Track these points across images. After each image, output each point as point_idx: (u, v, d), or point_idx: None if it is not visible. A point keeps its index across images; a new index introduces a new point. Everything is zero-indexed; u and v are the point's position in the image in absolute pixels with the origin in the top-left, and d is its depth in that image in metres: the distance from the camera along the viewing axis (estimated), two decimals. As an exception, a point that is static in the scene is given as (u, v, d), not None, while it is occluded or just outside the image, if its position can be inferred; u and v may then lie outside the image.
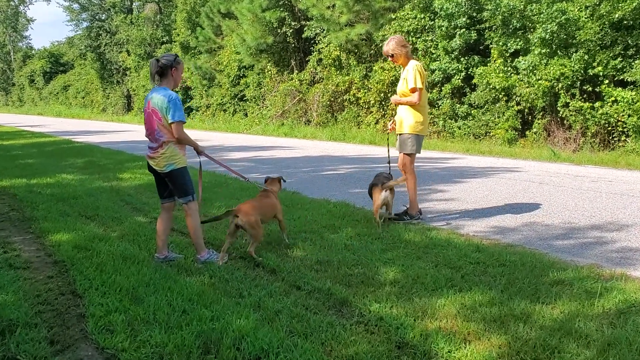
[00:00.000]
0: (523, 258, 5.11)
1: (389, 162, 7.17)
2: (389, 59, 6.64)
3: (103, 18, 47.38)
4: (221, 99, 30.28)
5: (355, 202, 7.84)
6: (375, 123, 20.54)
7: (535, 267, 4.86)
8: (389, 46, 6.55)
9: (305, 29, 23.95)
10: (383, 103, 20.30)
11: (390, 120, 7.16)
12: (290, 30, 24.70)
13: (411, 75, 6.38)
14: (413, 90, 6.42)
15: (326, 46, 22.76)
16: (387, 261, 5.10)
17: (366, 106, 21.12)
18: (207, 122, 30.01)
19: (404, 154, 6.70)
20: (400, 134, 6.69)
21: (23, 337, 3.62)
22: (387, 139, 7.55)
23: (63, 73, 58.85)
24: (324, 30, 22.83)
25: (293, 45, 25.56)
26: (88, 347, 3.59)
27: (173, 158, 5.07)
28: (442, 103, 18.28)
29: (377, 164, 12.39)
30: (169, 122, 4.96)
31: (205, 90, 31.84)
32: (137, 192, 8.92)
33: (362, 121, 21.36)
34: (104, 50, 46.35)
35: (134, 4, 46.79)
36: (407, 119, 6.59)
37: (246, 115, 28.22)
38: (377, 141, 18.25)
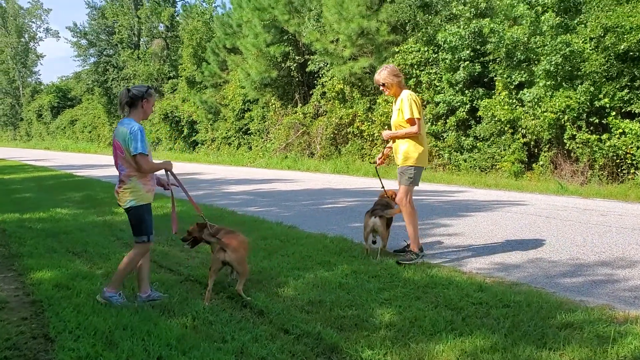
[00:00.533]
0: (528, 298, 4.77)
1: (382, 187, 7.12)
2: (381, 88, 6.33)
3: (110, 53, 47.91)
4: (226, 133, 30.24)
5: (354, 236, 7.53)
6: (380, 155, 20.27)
7: (542, 308, 4.52)
8: (380, 75, 6.27)
9: (309, 63, 23.96)
10: (387, 136, 20.08)
11: (379, 153, 6.91)
12: (294, 64, 24.73)
13: (406, 105, 6.05)
14: (410, 121, 6.08)
15: (330, 80, 22.73)
16: (384, 302, 4.78)
17: (370, 139, 20.95)
18: (212, 155, 29.92)
19: (402, 186, 6.34)
20: (399, 166, 6.35)
21: (-19, 387, 3.32)
22: (376, 170, 7.35)
23: (70, 108, 59.30)
24: (327, 64, 22.82)
25: (297, 79, 25.58)
26: (51, 399, 3.27)
27: (134, 194, 4.80)
28: (447, 135, 18.06)
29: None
30: (131, 154, 4.70)
31: (211, 124, 31.85)
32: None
33: (366, 154, 21.15)
34: (111, 85, 46.69)
35: (141, 39, 47.33)
36: (406, 151, 6.23)
37: (250, 148, 28.12)
38: (382, 174, 17.94)
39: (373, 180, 16.84)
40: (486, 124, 16.86)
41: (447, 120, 18.09)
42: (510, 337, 3.94)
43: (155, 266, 6.27)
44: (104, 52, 48.48)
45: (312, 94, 24.55)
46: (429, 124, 18.52)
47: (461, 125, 18.03)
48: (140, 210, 4.86)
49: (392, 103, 20.03)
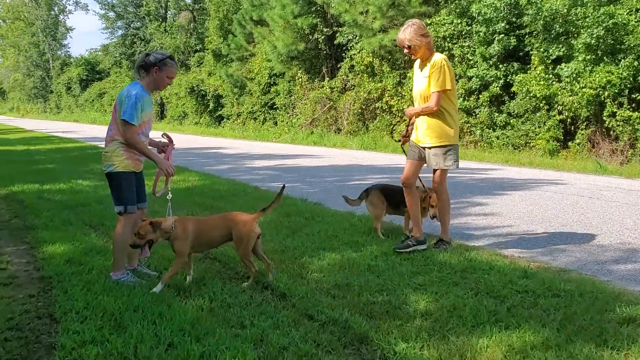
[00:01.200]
0: (580, 287, 4.28)
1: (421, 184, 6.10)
2: (405, 50, 5.19)
3: (138, 26, 47.72)
4: (252, 107, 29.84)
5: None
6: (409, 132, 19.74)
7: (597, 299, 4.03)
8: (405, 34, 5.11)
9: (337, 35, 23.33)
10: (417, 111, 19.51)
11: (404, 130, 5.78)
12: (322, 37, 24.11)
13: (441, 72, 5.01)
14: (444, 92, 5.09)
15: (359, 52, 22.08)
16: (418, 287, 4.34)
17: (399, 114, 20.33)
18: (237, 130, 29.60)
19: (440, 170, 5.38)
20: (434, 146, 5.28)
21: (-27, 374, 3.00)
22: (403, 149, 5.92)
23: (99, 81, 59.46)
24: (356, 36, 22.18)
25: (325, 51, 24.96)
26: (49, 389, 2.94)
27: (113, 159, 4.49)
28: (480, 112, 17.39)
29: (409, 174, 11.61)
30: (120, 118, 4.39)
31: (236, 99, 31.45)
32: (150, 200, 8.31)
33: (395, 130, 20.57)
34: (138, 57, 46.62)
35: (168, 12, 46.98)
36: (441, 127, 5.21)
37: (276, 123, 27.70)
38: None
39: (402, 157, 16.33)
40: (520, 99, 16.15)
41: (480, 96, 17.41)
42: (564, 331, 3.47)
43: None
44: (132, 25, 48.34)
45: (340, 67, 23.94)
46: (461, 99, 17.87)
47: (494, 101, 17.34)
48: (118, 178, 4.53)
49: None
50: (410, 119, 5.62)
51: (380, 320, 3.74)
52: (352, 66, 22.80)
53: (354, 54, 22.48)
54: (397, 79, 20.52)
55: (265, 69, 28.08)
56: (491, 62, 16.94)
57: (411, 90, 19.20)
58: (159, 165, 4.51)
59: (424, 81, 5.18)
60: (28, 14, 73.68)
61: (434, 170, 5.41)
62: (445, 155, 5.24)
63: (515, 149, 16.30)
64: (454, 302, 3.98)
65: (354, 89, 22.68)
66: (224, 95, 32.99)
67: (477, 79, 17.18)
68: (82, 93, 60.98)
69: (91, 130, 35.31)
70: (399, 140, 5.88)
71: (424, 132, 5.29)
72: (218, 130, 31.89)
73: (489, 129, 17.33)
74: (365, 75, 21.88)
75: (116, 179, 4.55)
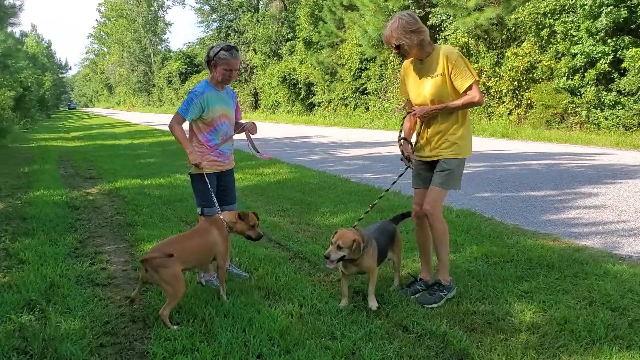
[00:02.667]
0: None
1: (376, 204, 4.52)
2: (393, 51, 4.03)
3: (231, 18, 48.86)
4: (342, 93, 29.72)
5: (483, 210, 6.67)
6: (508, 114, 18.84)
7: None
8: (391, 31, 3.95)
9: (430, 16, 22.61)
10: (517, 92, 18.55)
11: (401, 136, 4.30)
12: (414, 19, 23.48)
13: (462, 62, 3.88)
14: (469, 88, 3.86)
15: (453, 33, 21.29)
16: (523, 295, 3.98)
17: (497, 96, 19.43)
18: (329, 117, 29.61)
19: (439, 189, 4.07)
20: (444, 158, 4.05)
21: (70, 383, 3.03)
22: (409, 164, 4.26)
23: (197, 73, 61.65)
24: (450, 16, 21.36)
25: (417, 34, 24.29)
26: (140, 401, 2.92)
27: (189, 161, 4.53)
28: (586, 91, 16.20)
29: (509, 161, 11.00)
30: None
31: (327, 86, 31.45)
32: (242, 195, 8.39)
33: (493, 112, 19.69)
34: (207, 53, 47.88)
35: (260, 2, 47.71)
36: (458, 136, 4.02)
37: (367, 109, 27.41)
38: (510, 134, 16.64)
39: (501, 141, 15.58)
40: (632, 76, 14.86)
41: (585, 74, 16.21)
42: (699, 354, 3.03)
43: (265, 239, 5.89)
44: (225, 17, 49.54)
45: (433, 49, 23.25)
46: (564, 78, 16.74)
47: (602, 78, 16.08)
48: (192, 178, 4.60)
49: (522, 56, 18.15)
50: (421, 125, 4.15)
51: (481, 333, 3.44)
52: (446, 48, 22.07)
53: (448, 35, 21.70)
54: (495, 59, 19.58)
55: (356, 54, 27.80)
56: (598, 37, 15.69)
57: (509, 70, 18.55)
58: (189, 156, 4.40)
59: (437, 81, 3.94)
60: (130, 12, 77.74)
61: (433, 188, 4.08)
62: (451, 171, 4.03)
63: (626, 130, 15.06)
64: (565, 313, 3.60)
65: (448, 71, 21.95)
66: (315, 83, 33.10)
67: (582, 56, 16.00)
68: (182, 86, 63.53)
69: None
70: (407, 159, 4.20)
71: (431, 141, 4.09)
72: (309, 118, 32.07)
73: (596, 109, 16.13)
74: (460, 56, 21.12)
75: (192, 181, 4.64)
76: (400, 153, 4.26)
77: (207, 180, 4.40)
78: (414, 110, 4.12)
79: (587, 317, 3.53)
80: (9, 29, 23.36)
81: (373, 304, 3.92)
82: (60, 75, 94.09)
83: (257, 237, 4.36)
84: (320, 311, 3.92)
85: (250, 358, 3.24)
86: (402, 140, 4.25)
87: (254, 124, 4.88)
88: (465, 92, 3.87)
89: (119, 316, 4.02)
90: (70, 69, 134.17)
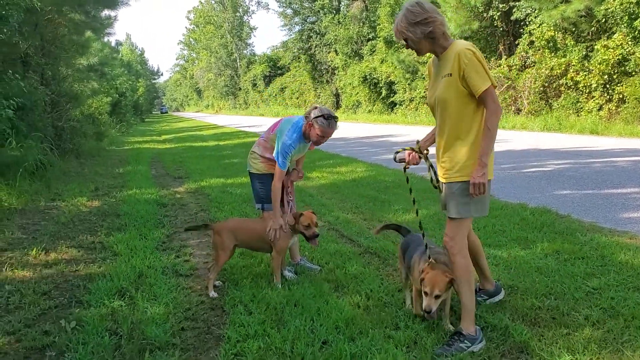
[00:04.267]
0: None
1: (424, 240, 3.80)
2: (404, 45, 3.50)
3: (313, 20, 49.54)
4: (424, 92, 29.43)
5: (560, 207, 6.54)
6: (599, 109, 18.03)
7: None
8: (397, 24, 3.42)
9: (514, 10, 22.04)
10: (608, 86, 17.71)
11: (409, 149, 3.81)
12: (498, 13, 22.91)
13: (476, 63, 3.21)
14: (488, 94, 3.22)
15: (538, 27, 20.63)
16: (592, 291, 3.94)
17: (587, 90, 18.64)
18: (410, 116, 29.46)
19: (459, 219, 3.42)
20: (452, 182, 3.41)
21: (154, 361, 3.35)
22: (407, 180, 4.08)
23: (280, 76, 63.13)
24: (535, 9, 20.70)
25: (501, 28, 23.71)
26: (215, 379, 3.19)
27: (251, 161, 4.96)
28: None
29: (594, 158, 10.60)
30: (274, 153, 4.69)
31: (408, 84, 31.27)
32: (318, 193, 8.65)
33: (582, 108, 18.90)
34: (315, 51, 48.46)
35: (341, 3, 48.05)
36: (465, 152, 3.34)
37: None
38: (600, 130, 15.93)
39: (590, 138, 14.97)
40: None
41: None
42: None
43: (337, 235, 6.10)
44: (307, 20, 50.28)
45: (518, 44, 22.60)
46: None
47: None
48: (253, 178, 4.94)
49: (613, 49, 17.41)
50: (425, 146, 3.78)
51: (544, 328, 3.46)
52: (532, 42, 21.41)
53: (534, 29, 21.07)
54: (583, 52, 18.80)
55: (437, 52, 27.50)
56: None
57: (599, 64, 17.72)
58: (272, 221, 4.58)
59: (445, 82, 3.33)
60: (217, 18, 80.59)
61: (449, 218, 3.48)
62: (468, 197, 3.34)
63: None
64: (633, 311, 3.54)
65: (534, 65, 21.28)
66: (396, 82, 32.98)
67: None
68: (266, 88, 65.22)
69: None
70: (401, 161, 3.86)
71: (440, 157, 3.50)
72: (390, 117, 32.01)
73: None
74: (546, 50, 20.40)
75: (251, 179, 4.95)
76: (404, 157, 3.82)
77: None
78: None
79: (657, 314, 3.46)
80: (105, 39, 25.02)
81: (448, 326, 3.59)
82: (153, 81, 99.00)
83: (311, 236, 4.52)
84: (386, 303, 4.06)
85: (316, 344, 3.43)
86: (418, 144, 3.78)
87: (301, 172, 5.10)
88: (480, 96, 3.21)
89: (199, 304, 4.34)
90: (162, 74, 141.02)
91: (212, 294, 4.50)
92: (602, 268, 4.38)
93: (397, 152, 3.85)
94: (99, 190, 10.03)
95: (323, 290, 4.36)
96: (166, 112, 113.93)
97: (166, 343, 3.62)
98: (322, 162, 12.26)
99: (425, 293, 3.34)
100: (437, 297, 3.34)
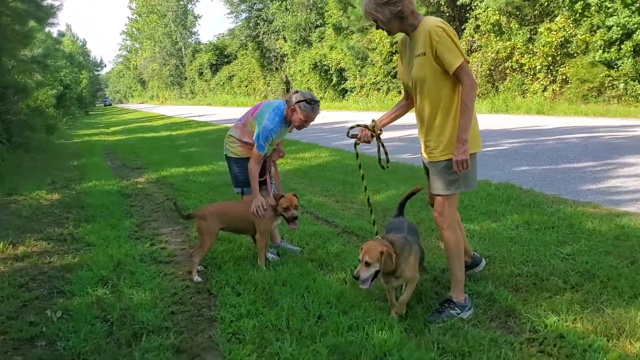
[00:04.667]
0: None
1: (368, 201, 4.08)
2: (374, 26, 3.51)
3: (260, 7, 49.12)
4: (374, 78, 29.77)
5: (522, 182, 6.82)
6: (543, 90, 18.71)
7: None
8: (365, 4, 3.39)
9: (459, -5, 22.52)
10: (551, 68, 18.38)
11: (362, 126, 3.84)
12: (444, -1, 23.39)
13: (447, 39, 3.19)
14: (462, 69, 3.22)
15: (484, 11, 21.17)
16: (566, 257, 4.17)
17: (532, 72, 19.32)
18: (362, 102, 29.72)
19: (446, 194, 3.47)
20: (436, 161, 3.46)
21: (150, 344, 3.35)
22: (357, 156, 4.14)
23: (227, 64, 62.36)
24: (480, -6, 21.25)
25: (447, 13, 24.18)
26: (215, 359, 3.22)
27: (228, 145, 4.95)
28: (623, 63, 16.00)
29: (546, 136, 11.04)
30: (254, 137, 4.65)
31: (359, 70, 31.53)
32: (286, 178, 8.68)
33: (527, 89, 19.57)
34: (262, 39, 48.11)
35: (288, -11, 47.83)
36: (448, 129, 3.39)
37: (400, 92, 27.37)
38: (546, 111, 16.56)
39: (537, 117, 15.52)
40: (672, 45, 14.65)
41: (622, 46, 16.01)
42: None
43: (312, 217, 6.17)
44: (254, 7, 49.80)
45: (465, 28, 23.11)
46: (600, 51, 16.52)
47: (639, 50, 15.86)
48: (230, 162, 4.95)
49: (555, 31, 18.02)
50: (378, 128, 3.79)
51: (526, 293, 3.65)
52: (478, 26, 21.95)
53: (479, 13, 21.60)
54: (527, 35, 19.44)
55: (386, 38, 27.74)
56: (634, 8, 15.48)
57: (543, 46, 18.32)
58: (254, 201, 4.59)
59: (419, 61, 3.31)
60: (160, 7, 78.74)
61: (436, 195, 3.53)
62: (454, 174, 3.38)
63: (666, 100, 14.86)
64: (607, 273, 3.78)
65: (480, 49, 21.84)
66: (346, 68, 33.20)
67: (618, 28, 15.82)
68: (213, 77, 64.34)
69: (224, 112, 37.20)
70: (354, 136, 3.89)
71: (424, 137, 3.55)
72: (342, 103, 32.22)
73: (634, 81, 15.92)
74: (492, 34, 20.98)
75: (229, 163, 4.95)
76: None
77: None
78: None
79: (630, 274, 3.71)
80: (47, 29, 24.10)
81: (400, 310, 3.52)
82: (96, 73, 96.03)
83: (289, 218, 4.56)
84: (372, 278, 4.16)
85: (312, 319, 3.51)
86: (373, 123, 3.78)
87: (281, 151, 5.13)
88: (454, 73, 3.22)
89: (184, 288, 4.34)
90: (105, 66, 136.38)
91: (197, 278, 4.51)
92: (573, 236, 4.63)
93: (352, 127, 3.91)
94: (56, 183, 9.75)
95: (308, 269, 4.43)
96: (110, 105, 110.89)
97: (158, 327, 3.61)
98: (284, 148, 12.23)
99: (359, 261, 3.38)
100: (367, 264, 3.31)
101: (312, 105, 4.49)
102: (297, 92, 4.57)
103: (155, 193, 8.44)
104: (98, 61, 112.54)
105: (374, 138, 3.79)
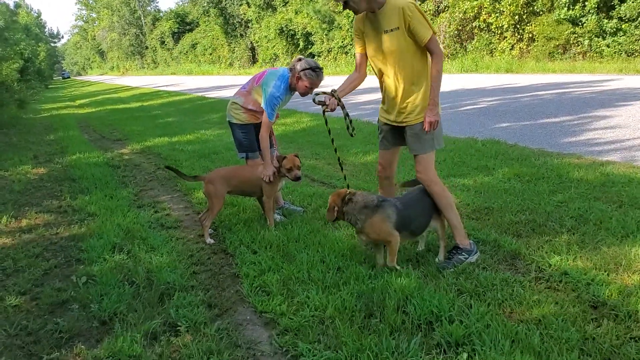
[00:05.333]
0: None
1: (339, 161, 4.60)
2: (342, 7, 3.63)
3: (223, -28, 48.10)
4: (342, 42, 29.72)
5: (506, 138, 7.12)
6: (511, 49, 19.04)
7: None
8: None
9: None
10: (518, 26, 18.70)
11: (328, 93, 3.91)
12: (410, -40, 23.35)
13: (419, 14, 3.46)
14: (432, 42, 3.52)
15: (450, -29, 21.28)
16: (559, 205, 4.47)
17: (499, 32, 19.61)
18: (330, 67, 29.69)
19: (426, 154, 3.76)
20: (414, 124, 3.72)
21: (181, 301, 3.53)
22: (326, 122, 4.38)
23: (190, 32, 61.10)
24: (446, -46, 21.31)
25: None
26: (246, 311, 3.42)
27: (232, 112, 5.06)
28: (587, 20, 16.40)
29: (520, 93, 11.38)
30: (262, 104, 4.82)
31: (326, 34, 31.39)
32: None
33: (495, 48, 19.90)
34: (225, 4, 47.18)
35: (249, -47, 46.82)
36: (424, 96, 3.67)
37: (369, 56, 27.45)
38: (515, 69, 16.92)
39: (507, 76, 15.87)
40: (632, 1, 15.05)
41: (586, 3, 16.37)
42: None
43: (308, 180, 6.35)
44: (217, -28, 48.72)
45: (432, -11, 23.23)
46: (565, 9, 16.87)
47: (602, 6, 16.25)
48: (235, 128, 5.05)
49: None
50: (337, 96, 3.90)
51: (527, 237, 3.94)
52: (445, -13, 22.07)
53: (446, -26, 21.69)
54: (494, -5, 19.66)
55: (353, 1, 27.68)
56: (599, -36, 15.81)
57: (510, 4, 18.59)
58: (265, 168, 4.75)
59: (394, 35, 3.54)
60: (116, -27, 76.30)
61: (416, 155, 3.80)
62: (427, 134, 3.70)
63: (629, 56, 15.35)
64: (599, 216, 4.10)
65: (448, 9, 21.98)
66: (312, 33, 33.00)
67: (583, -15, 16.15)
68: (176, 46, 63.01)
69: (191, 82, 36.69)
70: (321, 103, 3.98)
71: (399, 104, 3.75)
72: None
73: (598, 37, 16.36)
74: (459, -6, 21.16)
75: (233, 129, 5.07)
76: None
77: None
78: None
79: (619, 216, 4.04)
80: (2, 0, 23.30)
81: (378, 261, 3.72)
82: (53, 45, 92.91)
83: (293, 178, 4.74)
84: (379, 232, 4.40)
85: (332, 270, 3.73)
86: (333, 93, 3.88)
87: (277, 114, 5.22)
88: (426, 45, 3.50)
89: (200, 250, 4.52)
90: (62, 37, 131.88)
91: (210, 240, 4.68)
92: (562, 185, 4.95)
93: (317, 95, 4.05)
94: (39, 158, 9.69)
95: (317, 227, 4.65)
96: (68, 77, 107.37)
97: (184, 286, 3.79)
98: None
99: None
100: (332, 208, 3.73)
101: (316, 72, 4.63)
102: (300, 59, 4.70)
103: (144, 163, 8.49)
104: (55, 32, 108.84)
105: (338, 106, 3.94)
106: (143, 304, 3.54)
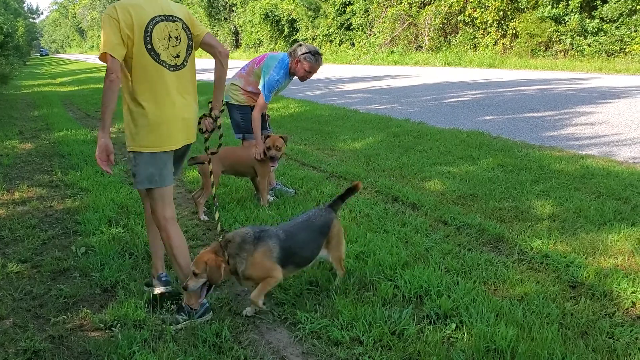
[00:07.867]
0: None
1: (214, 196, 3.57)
2: None
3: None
4: (327, 30, 29.76)
5: (490, 130, 7.34)
6: (494, 44, 19.33)
7: None
8: None
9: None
10: (502, 22, 18.98)
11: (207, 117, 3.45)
12: (398, -49, 23.46)
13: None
14: (104, 58, 2.77)
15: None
16: (541, 193, 4.70)
17: (483, 27, 19.87)
18: (315, 54, 29.68)
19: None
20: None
21: (181, 272, 3.67)
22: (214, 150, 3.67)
23: (173, 12, 60.38)
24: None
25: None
26: (243, 283, 3.57)
27: (230, 93, 5.14)
28: (570, 18, 16.74)
29: (503, 88, 11.64)
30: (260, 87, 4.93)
31: (311, 22, 31.39)
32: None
33: (478, 43, 20.17)
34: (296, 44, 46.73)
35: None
36: (127, 122, 3.34)
37: (353, 44, 27.59)
38: (497, 64, 17.21)
39: (490, 70, 16.15)
40: (614, 3, 15.41)
41: (570, 2, 16.71)
42: (690, 226, 3.78)
43: (298, 164, 6.50)
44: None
45: (419, -19, 23.40)
46: (549, 7, 17.19)
47: (585, 6, 16.62)
48: (231, 109, 5.15)
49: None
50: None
51: (510, 223, 4.16)
52: (432, -21, 22.24)
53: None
54: (480, -10, 19.91)
55: (339, -11, 27.75)
56: (583, -35, 16.13)
57: (495, 0, 18.86)
58: (256, 147, 4.86)
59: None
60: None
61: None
62: (134, 166, 3.31)
63: (608, 56, 15.74)
64: (578, 204, 4.33)
65: (434, 2, 22.18)
66: (298, 19, 32.96)
67: (567, -16, 16.46)
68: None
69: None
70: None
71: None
72: (295, 55, 32.08)
73: (580, 36, 16.72)
74: (445, -12, 21.36)
75: (230, 110, 5.16)
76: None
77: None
78: None
79: (598, 206, 4.27)
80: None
81: (248, 309, 3.14)
82: (32, 21, 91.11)
83: (268, 157, 4.83)
84: (368, 214, 4.58)
85: (325, 248, 3.89)
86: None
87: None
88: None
89: (195, 226, 4.66)
90: (41, 13, 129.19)
91: (204, 217, 4.82)
92: (544, 175, 5.18)
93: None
94: (25, 134, 9.68)
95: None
96: (47, 55, 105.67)
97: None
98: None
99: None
100: (195, 274, 2.99)
101: (316, 57, 4.77)
102: (300, 45, 4.84)
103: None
104: (34, 8, 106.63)
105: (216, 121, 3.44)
106: (143, 274, 3.68)
